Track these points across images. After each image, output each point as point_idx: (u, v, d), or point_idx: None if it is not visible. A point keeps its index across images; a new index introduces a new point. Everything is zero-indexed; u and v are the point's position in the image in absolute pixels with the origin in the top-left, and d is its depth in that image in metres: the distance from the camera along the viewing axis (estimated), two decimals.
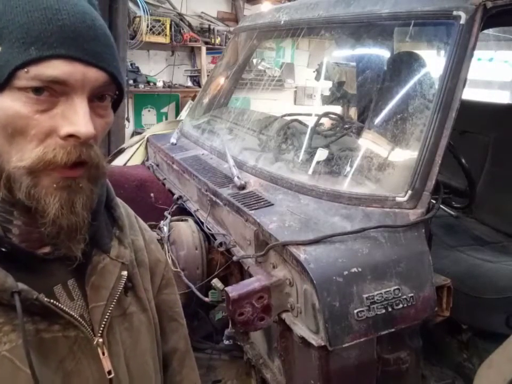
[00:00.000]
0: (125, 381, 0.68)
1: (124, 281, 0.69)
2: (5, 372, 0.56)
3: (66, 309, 0.61)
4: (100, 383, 0.64)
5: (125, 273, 0.69)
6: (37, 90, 0.54)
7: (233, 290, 1.14)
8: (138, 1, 4.42)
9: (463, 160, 1.55)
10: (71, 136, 0.56)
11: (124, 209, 0.78)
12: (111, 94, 0.62)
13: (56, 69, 0.54)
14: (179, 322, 0.87)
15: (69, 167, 0.57)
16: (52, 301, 0.59)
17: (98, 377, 0.64)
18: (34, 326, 0.59)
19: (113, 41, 0.61)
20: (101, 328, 0.64)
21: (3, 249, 0.58)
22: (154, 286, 0.80)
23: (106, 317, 0.65)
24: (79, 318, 0.62)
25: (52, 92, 0.55)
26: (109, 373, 0.65)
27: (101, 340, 0.64)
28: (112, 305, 0.66)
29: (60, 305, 0.60)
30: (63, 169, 0.57)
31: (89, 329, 0.63)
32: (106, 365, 0.64)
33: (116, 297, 0.67)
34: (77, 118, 0.56)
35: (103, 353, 0.64)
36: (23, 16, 0.54)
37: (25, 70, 0.53)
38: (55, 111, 0.56)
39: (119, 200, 0.77)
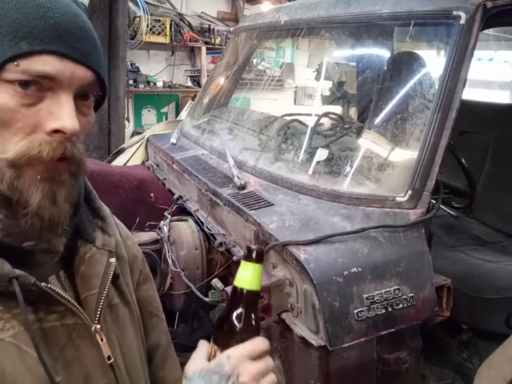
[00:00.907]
0: (122, 367, 0.68)
1: (113, 268, 0.69)
2: (12, 357, 0.56)
3: (64, 294, 0.61)
4: (101, 369, 0.64)
5: (113, 260, 0.69)
6: (24, 84, 0.55)
7: None
8: (138, 1, 4.43)
9: (463, 160, 1.55)
10: (56, 131, 0.56)
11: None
12: (94, 94, 0.63)
13: (46, 64, 0.55)
14: (159, 317, 0.87)
15: (53, 161, 0.57)
16: (49, 285, 0.59)
17: (98, 364, 0.64)
18: (34, 314, 0.59)
19: (100, 44, 0.63)
20: (97, 315, 0.64)
21: None
22: (133, 282, 0.80)
23: (101, 303, 0.65)
24: (76, 304, 0.62)
25: (39, 87, 0.56)
26: (109, 358, 0.65)
27: (98, 326, 0.64)
28: (105, 292, 0.66)
29: (57, 290, 0.60)
30: (47, 163, 0.57)
31: (86, 315, 0.63)
32: (106, 350, 0.65)
33: (108, 284, 0.67)
34: (63, 114, 0.56)
35: (102, 339, 0.65)
36: (15, 11, 0.54)
37: (15, 63, 0.54)
38: (41, 106, 0.56)
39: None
